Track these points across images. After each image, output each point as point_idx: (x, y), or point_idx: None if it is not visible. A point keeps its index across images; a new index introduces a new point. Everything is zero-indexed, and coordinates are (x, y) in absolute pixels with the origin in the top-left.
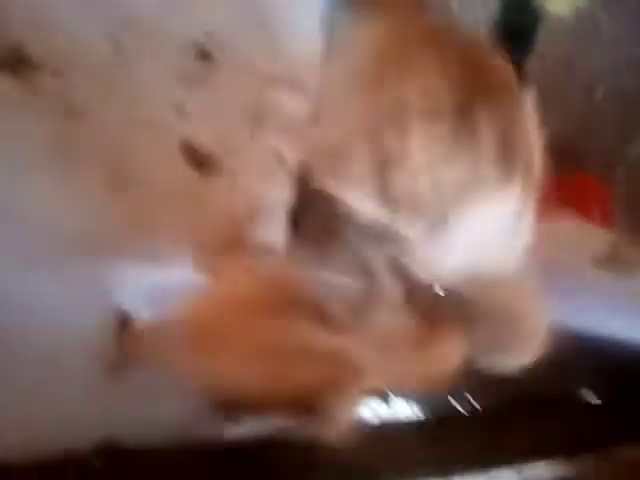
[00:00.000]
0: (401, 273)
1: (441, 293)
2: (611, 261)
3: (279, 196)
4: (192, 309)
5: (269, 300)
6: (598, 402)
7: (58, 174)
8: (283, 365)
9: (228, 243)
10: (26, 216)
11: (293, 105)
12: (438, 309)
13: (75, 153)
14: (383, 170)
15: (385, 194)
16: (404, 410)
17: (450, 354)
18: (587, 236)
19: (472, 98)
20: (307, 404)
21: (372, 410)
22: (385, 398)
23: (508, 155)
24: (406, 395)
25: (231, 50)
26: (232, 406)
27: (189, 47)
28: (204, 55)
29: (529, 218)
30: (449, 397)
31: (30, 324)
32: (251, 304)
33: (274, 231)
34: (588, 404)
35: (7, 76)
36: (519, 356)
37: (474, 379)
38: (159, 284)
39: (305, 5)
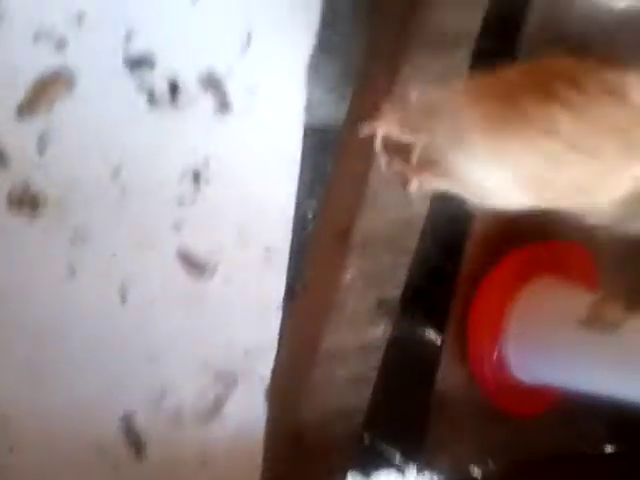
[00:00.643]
0: None
1: None
2: (594, 321)
3: (274, 286)
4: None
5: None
6: (617, 455)
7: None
8: None
9: None
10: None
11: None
12: None
13: (83, 274)
14: None
15: None
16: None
17: None
18: (570, 298)
19: None
20: None
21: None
22: (401, 468)
23: None
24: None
25: (223, 170)
26: None
27: (186, 173)
28: (199, 179)
29: None
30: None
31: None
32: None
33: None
34: (606, 458)
35: (26, 215)
36: None
37: (488, 441)
38: None
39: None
